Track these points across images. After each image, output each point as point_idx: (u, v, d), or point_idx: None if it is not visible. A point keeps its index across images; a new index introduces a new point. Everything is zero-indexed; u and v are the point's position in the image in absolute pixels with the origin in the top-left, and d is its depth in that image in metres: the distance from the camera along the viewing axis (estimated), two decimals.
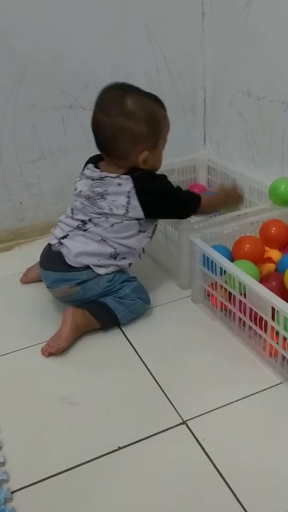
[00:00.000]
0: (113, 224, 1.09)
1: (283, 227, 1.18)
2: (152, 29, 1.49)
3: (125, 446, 0.86)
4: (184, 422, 0.90)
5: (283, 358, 0.97)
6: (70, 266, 1.11)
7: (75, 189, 1.16)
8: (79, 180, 1.16)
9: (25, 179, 1.51)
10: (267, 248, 1.17)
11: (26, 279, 1.33)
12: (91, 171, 1.13)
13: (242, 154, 1.53)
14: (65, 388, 1.00)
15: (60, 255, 1.12)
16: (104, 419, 0.93)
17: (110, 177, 1.09)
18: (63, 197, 1.52)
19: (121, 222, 1.09)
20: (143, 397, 0.97)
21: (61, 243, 1.13)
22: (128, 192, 1.07)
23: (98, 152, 1.14)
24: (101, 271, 1.12)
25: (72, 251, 1.10)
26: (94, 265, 1.11)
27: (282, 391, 0.95)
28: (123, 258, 1.13)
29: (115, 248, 1.11)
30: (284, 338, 0.94)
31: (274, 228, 1.18)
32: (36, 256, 1.23)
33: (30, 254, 1.31)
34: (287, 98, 1.28)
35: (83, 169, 1.17)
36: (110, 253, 1.11)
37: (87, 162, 1.17)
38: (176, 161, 1.63)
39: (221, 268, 1.08)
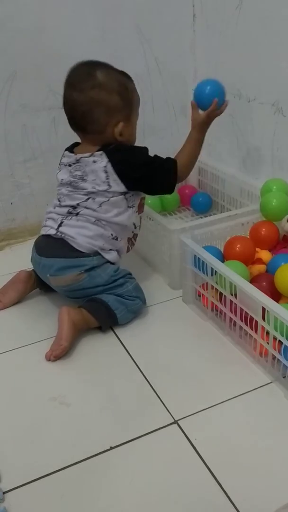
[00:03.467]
0: (101, 204, 1.10)
1: (273, 228, 1.19)
2: (143, 30, 1.49)
3: (116, 446, 0.87)
4: (175, 422, 0.91)
5: (273, 358, 0.97)
6: (79, 252, 1.11)
7: (57, 180, 1.18)
8: (59, 171, 1.17)
9: (16, 180, 1.51)
10: (257, 249, 1.18)
11: (4, 305, 1.24)
12: (67, 157, 1.15)
13: (232, 156, 1.54)
14: (57, 388, 1.00)
15: (64, 242, 1.12)
16: (95, 419, 0.93)
17: (85, 157, 1.10)
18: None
19: (108, 200, 1.10)
20: (135, 397, 0.97)
21: (61, 232, 1.13)
22: (105, 166, 1.08)
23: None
24: (108, 256, 1.13)
25: (77, 237, 1.11)
26: (102, 249, 1.12)
27: (272, 390, 0.96)
28: (122, 239, 1.16)
29: (107, 230, 1.12)
30: (274, 338, 0.95)
31: (264, 229, 1.19)
32: (28, 257, 1.23)
33: (21, 254, 1.31)
34: (277, 100, 1.30)
35: (60, 159, 1.18)
36: (107, 235, 1.13)
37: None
38: None
39: (212, 269, 1.08)
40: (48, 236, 1.15)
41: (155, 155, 1.14)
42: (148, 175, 1.11)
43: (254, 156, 1.45)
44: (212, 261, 1.08)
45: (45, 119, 1.47)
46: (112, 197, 1.11)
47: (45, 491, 0.81)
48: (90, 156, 1.10)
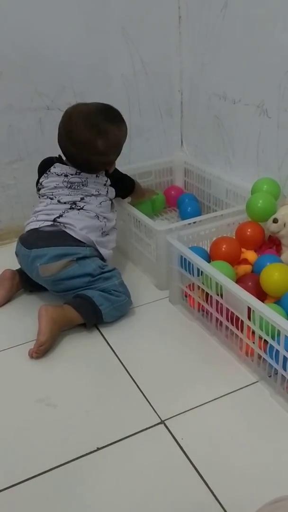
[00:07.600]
0: (101, 202, 1.25)
1: (259, 229, 1.20)
2: (129, 31, 1.49)
3: (104, 447, 0.87)
4: (162, 422, 0.91)
5: (259, 357, 0.98)
6: (74, 240, 1.17)
7: (43, 186, 1.25)
8: (46, 179, 1.25)
9: (2, 181, 1.50)
10: (243, 250, 1.18)
11: None
12: (60, 168, 1.24)
13: (218, 157, 1.55)
14: (43, 390, 0.99)
15: (57, 233, 1.17)
16: (82, 420, 0.93)
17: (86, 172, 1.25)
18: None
19: (105, 201, 1.26)
20: (121, 397, 0.97)
21: (58, 222, 1.18)
22: (106, 181, 1.27)
23: None
24: (100, 250, 1.21)
25: (77, 226, 1.18)
26: (96, 242, 1.20)
27: (258, 389, 0.97)
28: (107, 234, 1.26)
29: (104, 223, 1.24)
30: (260, 338, 0.95)
31: (249, 230, 1.20)
32: (13, 259, 1.22)
33: (7, 256, 1.30)
34: (262, 102, 1.31)
35: (48, 169, 1.25)
36: (101, 228, 1.23)
37: (49, 162, 1.26)
38: (153, 163, 1.64)
39: (198, 269, 1.09)
40: (38, 230, 1.18)
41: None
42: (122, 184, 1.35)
43: (239, 157, 1.46)
44: (198, 261, 1.08)
45: (31, 120, 1.47)
46: (108, 200, 1.27)
47: (31, 493, 0.80)
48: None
